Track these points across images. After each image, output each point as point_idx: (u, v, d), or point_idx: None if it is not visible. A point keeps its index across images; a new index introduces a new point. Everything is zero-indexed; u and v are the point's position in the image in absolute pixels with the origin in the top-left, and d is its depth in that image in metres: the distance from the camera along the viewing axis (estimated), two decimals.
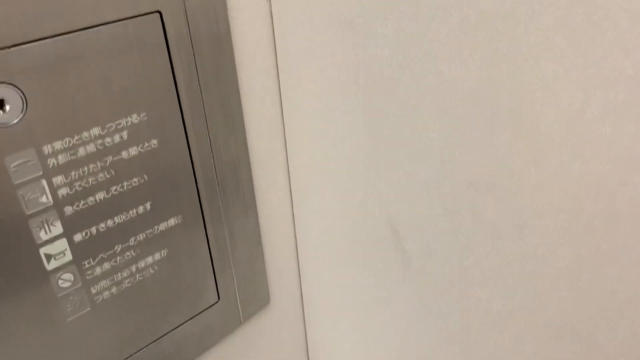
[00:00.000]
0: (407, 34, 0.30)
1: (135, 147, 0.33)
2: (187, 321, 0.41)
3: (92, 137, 0.32)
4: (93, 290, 0.35)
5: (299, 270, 0.48)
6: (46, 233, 0.31)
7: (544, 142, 0.27)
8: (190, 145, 0.36)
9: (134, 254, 0.36)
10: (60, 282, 0.33)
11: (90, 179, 0.32)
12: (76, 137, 0.31)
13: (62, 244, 0.32)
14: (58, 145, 0.30)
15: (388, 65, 0.32)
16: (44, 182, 0.30)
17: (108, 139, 0.32)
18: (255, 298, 0.46)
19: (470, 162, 0.31)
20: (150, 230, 0.36)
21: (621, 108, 0.24)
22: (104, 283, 0.35)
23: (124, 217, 0.34)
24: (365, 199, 0.39)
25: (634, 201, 0.26)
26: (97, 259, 0.34)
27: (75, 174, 0.31)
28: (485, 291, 0.34)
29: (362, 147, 0.37)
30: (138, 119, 0.33)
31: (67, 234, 0.32)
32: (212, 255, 0.40)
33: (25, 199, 0.30)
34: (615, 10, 0.23)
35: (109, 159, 0.33)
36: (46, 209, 0.31)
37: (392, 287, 0.41)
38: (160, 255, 0.37)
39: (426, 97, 0.31)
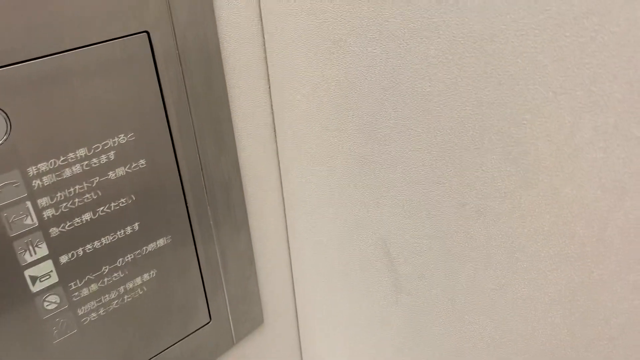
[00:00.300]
0: (396, 54, 0.30)
1: (122, 168, 0.33)
2: (178, 342, 0.41)
3: (78, 158, 0.31)
4: (80, 312, 0.34)
5: (294, 290, 0.47)
6: (31, 255, 0.31)
7: (534, 165, 0.27)
8: (179, 164, 0.36)
9: (122, 275, 0.35)
10: (46, 304, 0.33)
11: (76, 200, 0.32)
12: (62, 158, 0.31)
13: (48, 265, 0.32)
14: (43, 166, 0.30)
15: (378, 85, 0.32)
16: (28, 203, 0.30)
17: (94, 160, 0.32)
18: (249, 318, 0.45)
19: (460, 183, 0.31)
20: (139, 251, 0.36)
21: (611, 132, 0.24)
22: (91, 304, 0.35)
23: (111, 237, 0.34)
24: (357, 220, 0.38)
25: (625, 227, 0.25)
26: (84, 281, 0.34)
27: (61, 195, 0.31)
28: (477, 315, 0.34)
29: (354, 167, 0.36)
30: (125, 139, 0.33)
31: (53, 255, 0.32)
32: (203, 275, 0.40)
33: (10, 220, 0.30)
34: (603, 33, 0.22)
35: (96, 179, 0.32)
36: (31, 231, 0.31)
37: (386, 309, 0.40)
38: (149, 275, 0.37)
39: (415, 117, 0.31)
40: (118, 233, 0.34)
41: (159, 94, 0.33)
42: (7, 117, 0.28)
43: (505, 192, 0.29)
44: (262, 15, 0.36)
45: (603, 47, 0.23)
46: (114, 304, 0.36)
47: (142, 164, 0.34)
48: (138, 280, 0.36)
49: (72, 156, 0.31)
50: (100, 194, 0.33)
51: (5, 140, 0.28)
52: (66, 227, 0.32)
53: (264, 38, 0.37)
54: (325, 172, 0.38)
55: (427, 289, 0.36)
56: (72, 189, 0.31)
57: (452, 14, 0.27)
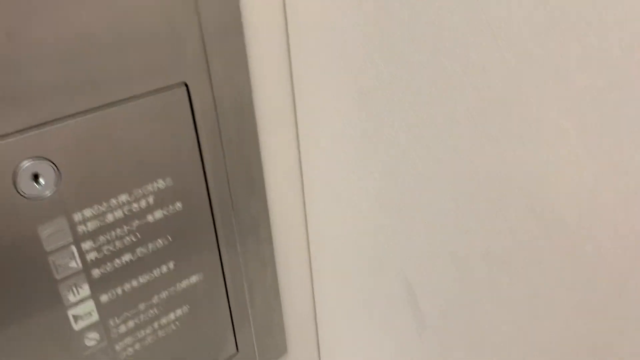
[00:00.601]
0: (423, 106, 0.31)
1: (160, 211, 0.35)
2: None
3: (120, 203, 0.33)
4: (117, 348, 0.36)
5: (316, 322, 0.49)
6: (74, 295, 0.33)
7: (556, 222, 0.28)
8: (212, 205, 0.37)
9: (157, 312, 0.37)
10: (86, 341, 0.34)
11: (117, 243, 0.34)
12: (105, 204, 0.32)
13: (90, 305, 0.34)
14: (88, 212, 0.32)
15: (402, 134, 0.33)
16: (73, 248, 0.32)
17: (135, 205, 0.34)
18: (273, 348, 0.47)
19: (485, 232, 0.32)
20: (173, 287, 0.37)
21: (632, 198, 0.25)
22: (128, 340, 0.36)
23: (148, 276, 0.36)
24: (381, 257, 0.39)
25: None
26: (122, 318, 0.35)
27: (103, 239, 0.33)
28: (497, 357, 0.35)
29: (379, 211, 0.37)
30: (164, 184, 0.34)
31: (95, 295, 0.34)
32: (232, 309, 0.41)
33: (56, 264, 0.32)
34: (625, 106, 0.24)
35: (135, 223, 0.34)
36: (75, 273, 0.32)
37: (408, 345, 0.41)
38: (182, 311, 0.38)
39: (441, 170, 0.32)
40: (154, 272, 0.36)
41: (196, 140, 0.35)
42: (57, 168, 0.30)
43: (527, 244, 0.30)
44: (292, 69, 0.38)
45: (625, 116, 0.24)
46: (149, 339, 0.37)
47: (178, 207, 0.36)
48: (171, 316, 0.38)
49: (115, 202, 0.33)
50: (139, 236, 0.34)
51: (55, 190, 0.30)
52: (107, 269, 0.34)
53: (293, 87, 0.38)
54: (350, 213, 0.40)
55: (450, 328, 0.37)
56: (113, 233, 0.33)
57: (479, 77, 0.28)
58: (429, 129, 0.32)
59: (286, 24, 0.36)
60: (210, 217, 0.37)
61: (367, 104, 0.35)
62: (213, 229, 0.38)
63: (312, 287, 0.46)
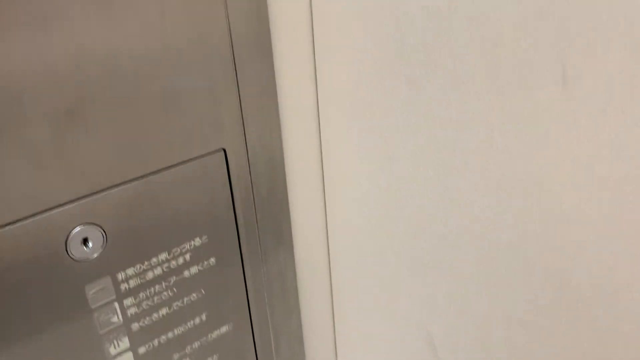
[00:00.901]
0: (449, 181, 0.33)
1: (196, 267, 0.37)
2: None
3: (160, 261, 0.35)
4: None
5: None
6: (115, 348, 0.35)
7: (574, 296, 0.30)
8: (243, 259, 0.39)
9: None
10: None
11: (155, 298, 0.35)
12: (146, 263, 0.34)
13: (129, 357, 0.35)
14: (130, 271, 0.34)
15: (426, 198, 0.35)
16: (116, 304, 0.34)
17: (173, 262, 0.35)
18: None
19: (506, 298, 0.34)
20: (205, 338, 0.39)
21: None
22: None
23: (182, 328, 0.38)
24: (404, 310, 0.41)
25: None
26: None
27: (143, 295, 0.35)
28: None
29: (403, 268, 0.39)
30: (200, 241, 0.36)
31: (133, 347, 0.35)
32: (258, 356, 0.43)
33: (100, 320, 0.33)
34: None
35: (173, 278, 0.36)
36: (117, 328, 0.34)
37: None
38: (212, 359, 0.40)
39: (466, 235, 0.34)
40: (188, 324, 0.38)
41: (231, 199, 0.37)
42: (104, 232, 0.32)
43: (546, 312, 0.32)
44: (321, 130, 0.40)
45: None
46: None
47: (212, 262, 0.37)
48: None
49: (155, 260, 0.35)
50: (175, 290, 0.36)
51: (101, 252, 0.32)
52: (145, 322, 0.35)
53: (321, 149, 0.40)
54: (375, 268, 0.41)
55: None
56: (152, 289, 0.35)
57: (501, 155, 0.30)
58: (456, 198, 0.33)
59: (317, 92, 0.38)
60: (241, 269, 0.39)
61: (392, 167, 0.37)
62: (243, 281, 0.40)
63: (335, 336, 0.48)
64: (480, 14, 0.26)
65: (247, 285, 0.40)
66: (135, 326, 0.35)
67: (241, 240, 0.39)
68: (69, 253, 0.31)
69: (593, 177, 0.26)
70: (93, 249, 0.32)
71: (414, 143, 0.34)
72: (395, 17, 0.30)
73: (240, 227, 0.38)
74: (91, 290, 0.33)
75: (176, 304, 0.37)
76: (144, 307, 0.35)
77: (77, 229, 0.31)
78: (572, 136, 0.27)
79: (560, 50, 0.25)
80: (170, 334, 0.37)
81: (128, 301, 0.34)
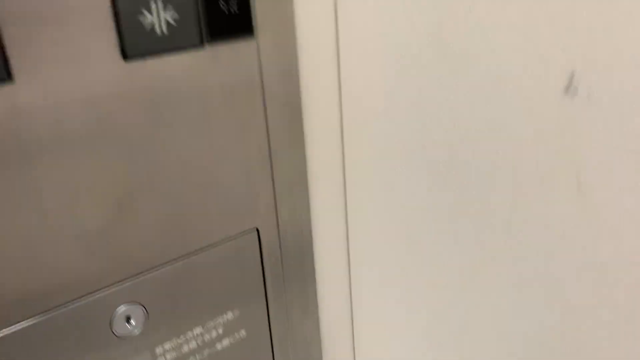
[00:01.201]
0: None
1: (227, 339, 0.39)
2: None
3: (195, 335, 0.37)
4: None
5: None
6: None
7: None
8: (272, 332, 0.41)
9: None
10: None
11: None
12: (182, 337, 0.36)
13: None
14: (167, 346, 0.36)
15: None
16: None
17: (207, 336, 0.37)
18: None
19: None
20: None
21: None
22: None
23: None
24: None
25: None
26: None
27: None
28: None
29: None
30: (232, 315, 0.38)
31: None
32: None
33: None
34: None
35: (206, 351, 0.38)
36: None
37: None
38: None
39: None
40: None
41: (262, 276, 0.39)
42: (146, 310, 0.34)
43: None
44: (349, 218, 0.42)
45: None
46: None
47: (242, 335, 0.39)
48: None
49: (190, 334, 0.37)
50: None
51: (142, 330, 0.34)
52: None
53: (347, 218, 0.43)
54: (397, 341, 0.43)
55: None
56: None
57: (514, 239, 0.32)
58: (473, 289, 0.35)
59: (344, 175, 0.40)
60: (269, 341, 0.41)
61: (415, 255, 0.39)
62: (271, 352, 0.41)
63: None
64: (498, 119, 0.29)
65: (275, 355, 0.42)
66: None
67: (270, 313, 0.40)
68: (113, 331, 0.33)
69: (607, 280, 0.28)
70: (135, 326, 0.34)
71: (436, 229, 0.36)
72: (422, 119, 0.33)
73: (269, 300, 0.40)
74: None
75: None
76: None
77: (122, 308, 0.33)
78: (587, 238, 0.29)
79: (575, 160, 0.27)
80: None
81: None
